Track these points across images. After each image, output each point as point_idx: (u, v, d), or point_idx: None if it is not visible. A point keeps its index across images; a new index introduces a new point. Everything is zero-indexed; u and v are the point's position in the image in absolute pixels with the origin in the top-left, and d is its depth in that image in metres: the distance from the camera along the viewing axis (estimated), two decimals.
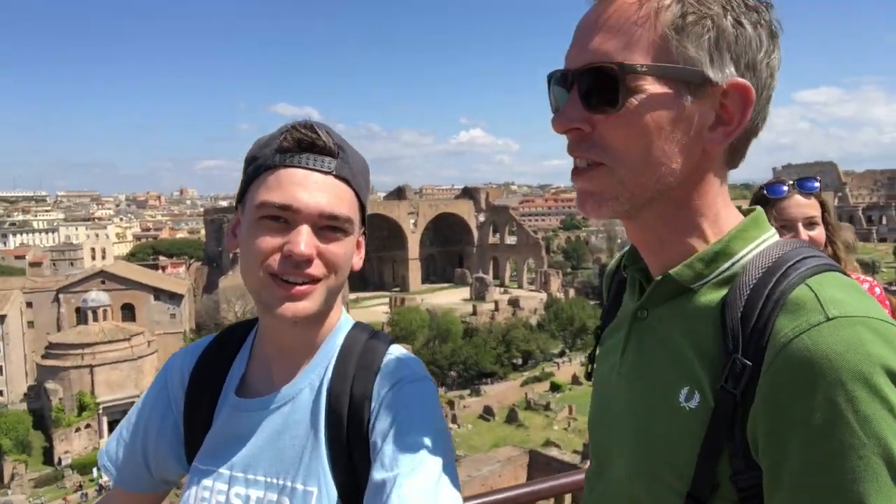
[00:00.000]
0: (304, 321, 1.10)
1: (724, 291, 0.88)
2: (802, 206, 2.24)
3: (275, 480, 1.12)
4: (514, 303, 73.53)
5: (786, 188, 2.26)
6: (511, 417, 48.83)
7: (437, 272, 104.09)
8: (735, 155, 0.93)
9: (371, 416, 1.11)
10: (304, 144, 1.09)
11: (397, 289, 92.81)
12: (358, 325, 1.25)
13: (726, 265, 0.90)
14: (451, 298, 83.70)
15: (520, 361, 63.81)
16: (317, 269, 1.08)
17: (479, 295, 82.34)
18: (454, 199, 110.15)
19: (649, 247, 0.98)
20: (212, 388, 1.23)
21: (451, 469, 1.06)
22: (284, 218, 1.07)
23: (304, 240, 1.06)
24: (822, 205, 2.26)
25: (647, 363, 0.96)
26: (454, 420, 51.46)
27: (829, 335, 0.74)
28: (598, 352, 1.17)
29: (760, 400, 0.78)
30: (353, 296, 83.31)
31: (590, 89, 0.86)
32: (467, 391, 58.10)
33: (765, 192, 2.29)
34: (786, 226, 2.21)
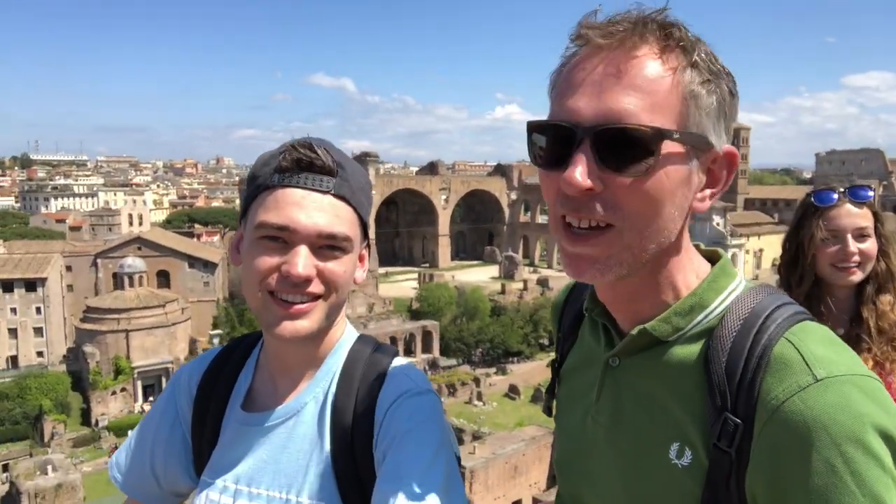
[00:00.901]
0: (302, 340, 1.10)
1: (700, 344, 0.90)
2: (854, 215, 2.06)
3: (278, 494, 1.13)
4: (543, 283, 73.21)
5: (836, 196, 2.08)
6: (536, 397, 48.97)
7: (466, 249, 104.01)
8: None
9: (375, 429, 1.11)
10: (302, 164, 1.09)
11: (426, 264, 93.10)
12: (362, 339, 1.25)
13: (701, 317, 0.91)
14: (479, 276, 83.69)
15: (547, 342, 63.70)
16: (316, 287, 1.09)
17: (508, 273, 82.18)
18: (486, 176, 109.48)
19: (620, 301, 0.97)
20: (218, 402, 1.23)
21: (455, 482, 1.06)
22: (283, 238, 1.07)
23: (301, 261, 1.06)
24: (875, 215, 2.09)
25: (627, 415, 0.95)
26: (479, 397, 51.93)
27: (820, 397, 0.76)
28: (559, 388, 1.17)
29: (758, 462, 0.80)
30: (382, 270, 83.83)
31: (610, 149, 0.82)
32: (493, 369, 58.37)
33: (812, 199, 2.14)
34: (835, 236, 2.05)
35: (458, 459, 1.13)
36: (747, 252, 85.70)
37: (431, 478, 1.02)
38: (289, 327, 1.08)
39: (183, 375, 1.32)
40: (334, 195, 1.11)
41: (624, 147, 0.82)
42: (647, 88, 0.82)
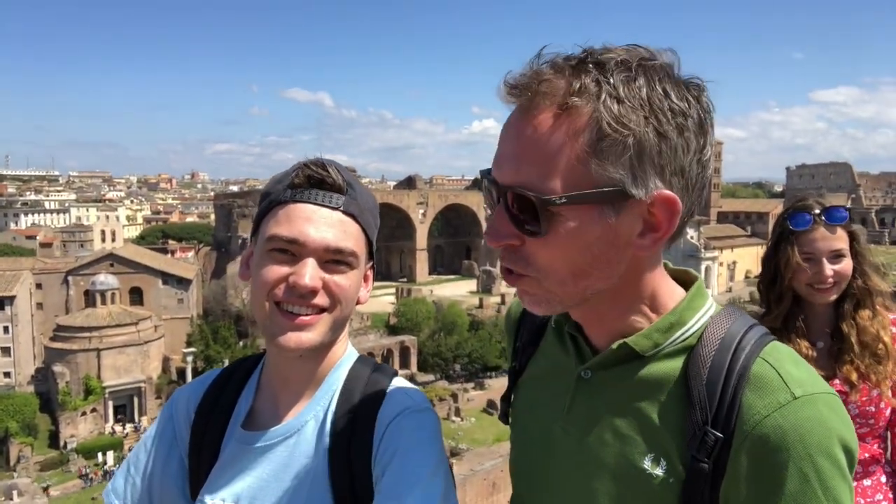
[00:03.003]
0: (307, 352, 1.13)
1: (679, 361, 0.94)
2: (828, 238, 2.09)
3: None
4: None
5: (810, 218, 2.10)
6: None
7: (444, 263, 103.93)
8: (672, 239, 0.93)
9: (374, 446, 1.12)
10: (313, 181, 1.14)
11: (404, 279, 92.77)
12: (361, 359, 1.26)
13: (678, 334, 0.96)
14: (457, 290, 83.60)
15: None
16: (321, 299, 1.12)
17: (485, 288, 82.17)
18: (464, 190, 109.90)
19: (590, 322, 1.01)
20: (218, 423, 1.23)
21: (450, 498, 1.08)
22: (292, 251, 1.11)
23: (308, 272, 1.09)
24: (851, 234, 2.12)
25: (602, 427, 0.98)
26: (457, 413, 51.58)
27: (798, 413, 0.84)
28: (515, 396, 1.19)
29: (735, 471, 0.86)
30: None
31: (515, 210, 0.87)
32: (471, 384, 58.10)
33: (788, 223, 2.15)
34: (810, 258, 2.09)
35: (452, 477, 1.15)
36: (721, 264, 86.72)
37: (429, 496, 1.04)
38: (293, 338, 1.10)
39: (181, 397, 1.31)
40: (343, 212, 1.14)
41: (524, 209, 0.86)
42: (539, 157, 0.84)
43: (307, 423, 1.17)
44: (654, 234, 0.89)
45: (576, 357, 1.04)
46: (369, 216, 1.19)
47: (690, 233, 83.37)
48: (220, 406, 1.24)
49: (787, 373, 0.88)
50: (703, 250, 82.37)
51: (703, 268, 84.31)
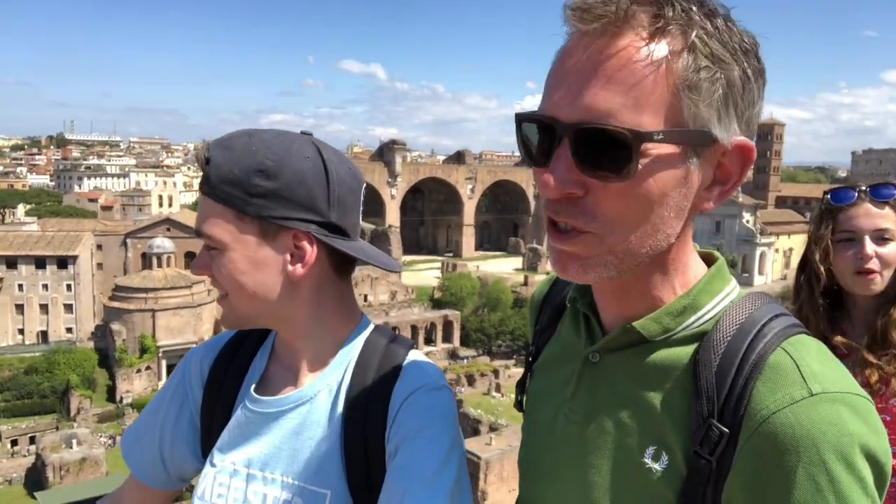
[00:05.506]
0: (234, 328, 1.20)
1: (691, 348, 0.86)
2: (873, 215, 1.84)
3: (291, 480, 1.12)
4: None
5: (854, 194, 1.88)
6: None
7: (490, 240, 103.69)
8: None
9: (389, 422, 1.10)
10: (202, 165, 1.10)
11: (450, 254, 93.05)
12: (378, 329, 1.24)
13: (692, 319, 0.87)
14: (503, 267, 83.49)
15: None
16: (217, 286, 1.12)
17: (531, 265, 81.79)
18: (513, 167, 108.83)
19: (612, 295, 0.92)
20: (231, 385, 1.23)
21: (464, 484, 1.06)
22: None
23: (194, 262, 1.13)
24: None
25: (604, 414, 0.92)
26: (497, 389, 51.79)
27: (812, 412, 0.74)
28: (530, 383, 1.13)
29: (740, 471, 0.77)
30: (405, 258, 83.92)
31: (589, 151, 0.76)
32: (513, 361, 58.25)
33: (829, 197, 1.92)
34: (852, 238, 1.85)
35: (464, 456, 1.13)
36: (776, 251, 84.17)
37: (442, 480, 1.02)
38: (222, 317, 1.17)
39: (195, 357, 1.30)
40: (203, 193, 1.09)
41: (603, 149, 0.75)
42: (628, 83, 0.74)
43: (320, 392, 1.15)
44: (721, 187, 0.82)
45: (587, 339, 0.97)
46: (227, 187, 1.04)
47: (746, 216, 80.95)
48: (234, 368, 1.24)
49: (806, 366, 0.78)
50: (758, 235, 79.99)
51: (758, 253, 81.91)
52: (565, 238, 0.82)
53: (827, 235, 1.88)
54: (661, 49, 0.74)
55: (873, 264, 1.81)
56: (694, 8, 0.76)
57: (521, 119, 0.84)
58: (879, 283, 1.83)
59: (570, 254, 0.82)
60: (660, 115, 0.75)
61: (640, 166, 0.75)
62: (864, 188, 1.89)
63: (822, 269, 1.89)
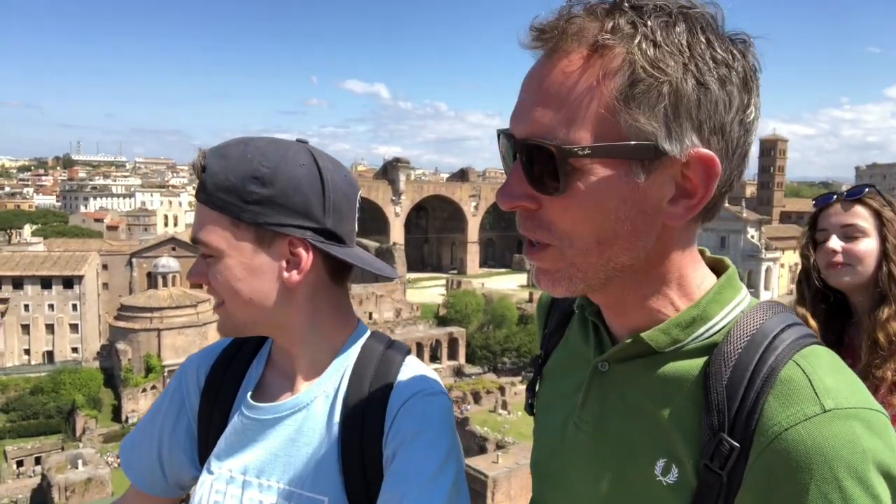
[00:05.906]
0: (230, 335, 1.19)
1: (701, 360, 0.84)
2: (841, 214, 1.96)
3: (287, 487, 1.12)
4: None
5: (833, 197, 2.02)
6: None
7: (495, 256, 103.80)
8: (707, 213, 0.83)
9: (386, 427, 1.10)
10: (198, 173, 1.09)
11: (454, 271, 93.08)
12: (374, 335, 1.23)
13: (702, 330, 0.86)
14: (507, 284, 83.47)
15: None
16: (213, 293, 1.11)
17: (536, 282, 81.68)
18: None
19: (612, 309, 0.92)
20: (227, 392, 1.22)
21: (461, 489, 1.06)
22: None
23: (191, 269, 1.14)
24: (878, 214, 1.93)
25: (613, 425, 0.91)
26: (504, 406, 51.52)
27: (825, 429, 0.73)
28: (540, 387, 1.13)
29: (752, 486, 0.76)
30: (410, 276, 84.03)
31: (532, 165, 0.78)
32: (519, 378, 58.00)
33: (813, 203, 2.11)
34: (826, 237, 1.98)
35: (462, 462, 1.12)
36: (782, 266, 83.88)
37: (440, 483, 1.02)
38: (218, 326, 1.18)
39: (192, 365, 1.30)
40: (200, 200, 1.09)
41: (544, 164, 0.77)
42: (565, 100, 0.76)
43: (316, 398, 1.15)
44: (687, 201, 0.79)
45: (595, 347, 0.96)
46: (223, 195, 1.05)
47: (751, 232, 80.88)
48: (231, 375, 1.24)
49: (819, 380, 0.77)
50: (763, 251, 79.80)
51: (763, 269, 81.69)
52: (534, 252, 0.84)
53: (810, 236, 2.04)
54: (598, 64, 0.75)
55: (838, 258, 1.92)
56: (646, 18, 0.75)
57: (498, 134, 0.87)
58: (851, 274, 1.91)
59: (539, 268, 0.85)
60: (595, 131, 0.75)
61: (580, 183, 0.76)
62: (842, 192, 2.01)
63: (808, 264, 2.03)
